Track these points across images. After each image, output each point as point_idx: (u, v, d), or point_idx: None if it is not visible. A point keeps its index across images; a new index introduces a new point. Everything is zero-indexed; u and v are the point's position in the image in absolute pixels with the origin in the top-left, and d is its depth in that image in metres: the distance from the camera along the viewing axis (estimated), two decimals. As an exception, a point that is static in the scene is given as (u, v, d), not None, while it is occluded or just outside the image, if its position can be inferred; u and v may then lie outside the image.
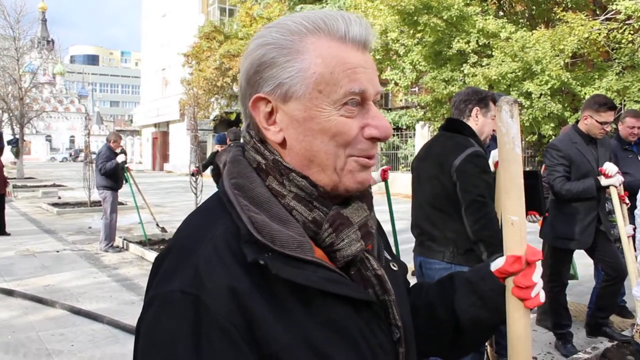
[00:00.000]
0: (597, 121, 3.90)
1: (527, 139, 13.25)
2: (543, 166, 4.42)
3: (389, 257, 0.97)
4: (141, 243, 8.45)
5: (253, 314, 0.72)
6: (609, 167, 3.80)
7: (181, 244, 0.81)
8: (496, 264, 0.98)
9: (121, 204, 12.61)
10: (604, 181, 3.79)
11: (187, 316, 0.71)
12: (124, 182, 8.67)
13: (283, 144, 0.83)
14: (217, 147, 8.48)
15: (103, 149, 8.42)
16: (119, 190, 8.64)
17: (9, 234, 9.77)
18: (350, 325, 0.79)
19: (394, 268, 0.96)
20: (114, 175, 8.28)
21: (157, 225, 9.48)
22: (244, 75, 0.85)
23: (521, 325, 0.89)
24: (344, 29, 0.81)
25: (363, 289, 0.84)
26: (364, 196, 0.88)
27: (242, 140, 0.90)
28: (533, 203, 3.36)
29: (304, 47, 0.80)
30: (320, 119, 0.80)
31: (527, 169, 10.36)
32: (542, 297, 0.92)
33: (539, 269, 0.94)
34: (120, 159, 8.29)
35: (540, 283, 0.93)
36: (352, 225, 0.83)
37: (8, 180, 11.63)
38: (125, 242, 8.59)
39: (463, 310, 1.02)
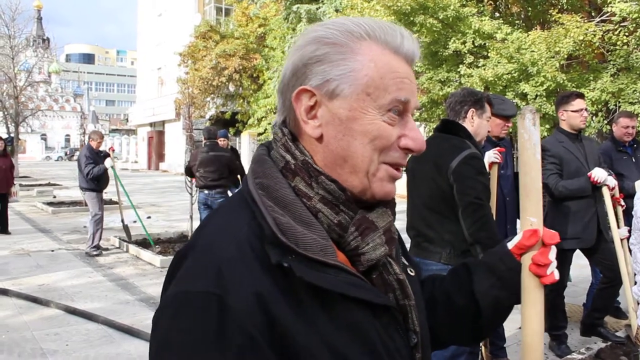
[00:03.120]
0: (572, 111, 4.04)
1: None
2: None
3: (406, 262, 0.99)
4: (136, 243, 8.43)
5: (275, 315, 0.72)
6: (598, 173, 3.80)
7: (204, 242, 0.80)
8: (513, 241, 1.01)
9: (115, 203, 12.61)
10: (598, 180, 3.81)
11: (210, 316, 0.71)
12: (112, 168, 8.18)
13: (319, 139, 0.84)
14: (220, 142, 8.26)
15: (84, 151, 8.01)
16: (112, 190, 8.44)
17: (9, 233, 9.75)
18: (370, 330, 0.79)
19: (411, 273, 0.97)
20: (98, 178, 7.96)
21: (122, 222, 8.69)
22: (291, 67, 0.85)
23: (536, 301, 0.94)
24: (399, 41, 0.85)
25: (383, 294, 0.85)
26: (388, 202, 0.90)
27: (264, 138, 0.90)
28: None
29: (359, 49, 0.83)
30: (364, 121, 0.82)
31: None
32: (557, 275, 0.96)
33: (554, 250, 0.97)
34: (108, 164, 7.95)
35: (555, 262, 0.96)
36: (378, 229, 0.84)
37: (14, 181, 11.54)
38: (120, 241, 8.56)
39: (482, 292, 1.05)
